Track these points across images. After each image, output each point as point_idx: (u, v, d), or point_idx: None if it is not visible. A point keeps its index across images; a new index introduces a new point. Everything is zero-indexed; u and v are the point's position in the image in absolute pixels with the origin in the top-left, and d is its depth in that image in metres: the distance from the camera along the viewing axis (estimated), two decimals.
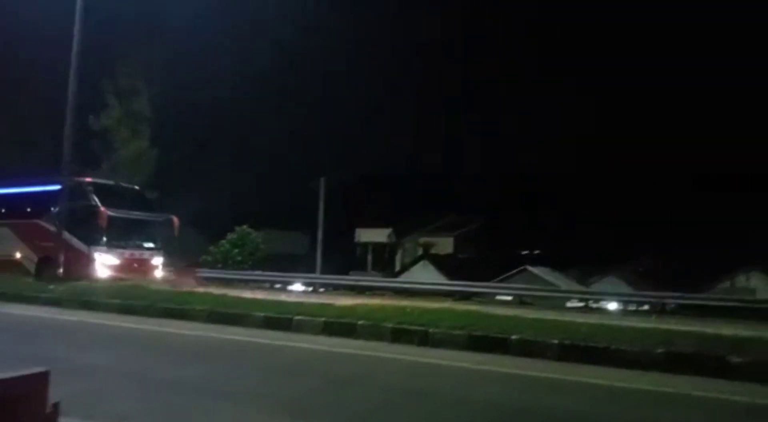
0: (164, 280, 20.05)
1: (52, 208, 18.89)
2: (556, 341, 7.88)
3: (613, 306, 19.29)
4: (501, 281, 25.86)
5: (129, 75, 29.99)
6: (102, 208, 18.69)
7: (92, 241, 18.85)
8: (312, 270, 30.08)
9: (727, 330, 10.08)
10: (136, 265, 19.75)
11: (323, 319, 9.78)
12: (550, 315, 11.61)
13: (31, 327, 10.07)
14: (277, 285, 23.85)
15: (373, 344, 8.65)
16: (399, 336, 8.87)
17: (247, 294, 15.38)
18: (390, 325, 9.11)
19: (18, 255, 20.07)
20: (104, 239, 18.93)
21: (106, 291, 14.03)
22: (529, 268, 28.93)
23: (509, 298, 20.14)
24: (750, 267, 33.64)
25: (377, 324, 9.25)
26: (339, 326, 9.51)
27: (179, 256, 29.15)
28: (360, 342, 8.80)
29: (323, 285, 23.83)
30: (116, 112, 29.89)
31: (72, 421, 3.72)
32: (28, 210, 20.43)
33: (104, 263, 18.91)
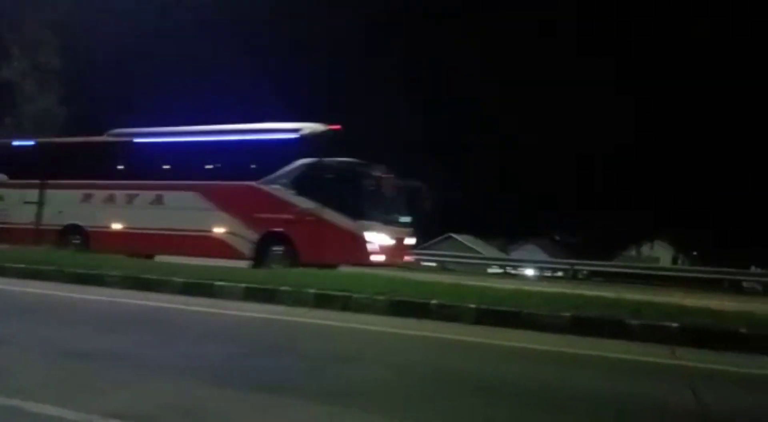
0: None
1: (284, 166, 14.16)
2: (473, 305, 8.18)
3: (530, 272, 20.26)
4: (426, 248, 26.45)
5: (35, 24, 27.64)
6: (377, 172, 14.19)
7: (359, 214, 13.71)
8: None
9: (630, 295, 10.85)
10: (398, 247, 14.74)
11: (245, 285, 9.65)
12: (470, 281, 12.04)
13: None
14: None
15: (295, 310, 8.66)
16: (322, 301, 8.92)
17: (164, 259, 14.90)
18: (313, 291, 9.13)
19: (220, 230, 14.62)
20: (376, 212, 14.00)
21: (9, 255, 13.16)
22: (454, 236, 29.78)
23: (433, 264, 20.70)
24: (654, 236, 36.22)
25: (300, 290, 9.24)
26: (261, 292, 9.43)
27: None
28: (282, 308, 8.78)
29: None
30: (20, 64, 27.60)
31: None
32: (239, 168, 14.85)
33: (377, 244, 13.71)
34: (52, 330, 6.77)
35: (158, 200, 15.35)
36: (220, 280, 10.01)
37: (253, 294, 9.46)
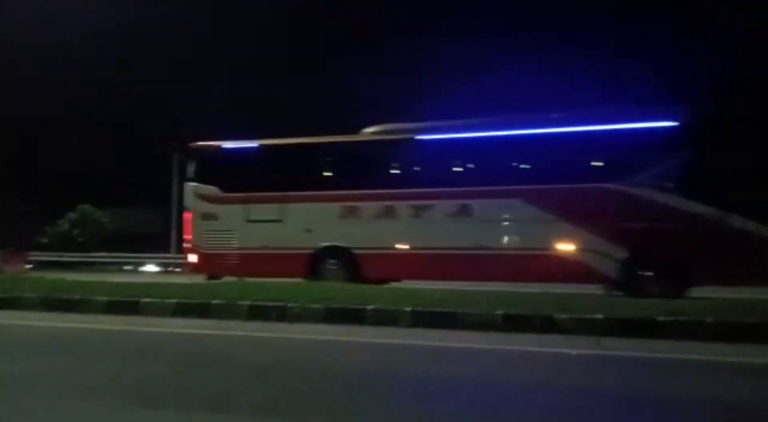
0: None
1: (656, 161, 11.30)
2: (408, 308, 8.24)
3: None
4: None
5: None
6: None
7: None
8: (166, 249, 28.45)
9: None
10: None
11: (175, 301, 9.30)
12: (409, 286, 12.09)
13: None
14: (127, 267, 22.29)
15: (228, 323, 8.43)
16: (256, 313, 8.73)
17: (88, 277, 14.15)
18: (247, 303, 8.92)
19: (569, 248, 11.66)
20: None
21: None
22: None
23: None
24: None
25: (233, 302, 9.01)
26: (192, 307, 9.12)
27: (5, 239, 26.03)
28: (215, 322, 8.52)
29: (179, 265, 22.68)
30: None
31: None
32: (585, 166, 11.90)
33: None
34: None
35: (464, 211, 12.24)
36: (147, 296, 9.60)
37: (183, 310, 9.13)
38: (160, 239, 33.33)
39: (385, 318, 8.20)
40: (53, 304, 9.80)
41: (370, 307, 8.38)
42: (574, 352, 6.50)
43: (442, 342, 7.13)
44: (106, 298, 9.66)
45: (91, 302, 9.64)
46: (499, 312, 7.88)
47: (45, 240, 25.02)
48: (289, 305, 8.68)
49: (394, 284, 12.19)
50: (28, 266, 18.38)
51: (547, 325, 7.54)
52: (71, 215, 25.58)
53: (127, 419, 4.20)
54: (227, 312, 8.86)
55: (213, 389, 5.02)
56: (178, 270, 21.87)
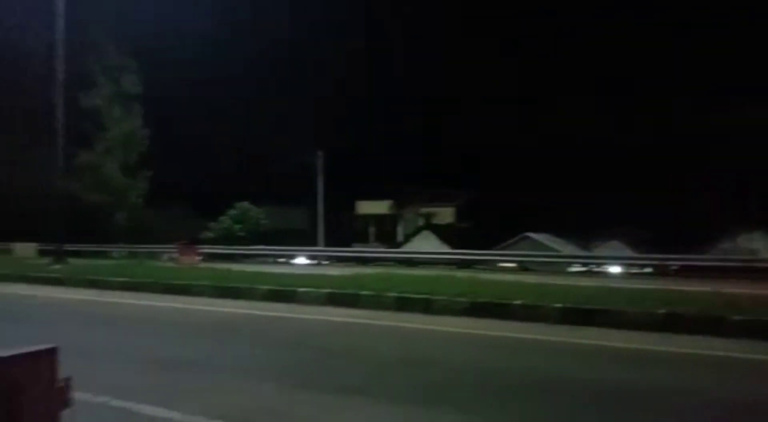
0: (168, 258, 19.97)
1: None
2: (558, 305, 7.95)
3: (615, 269, 19.41)
4: (502, 249, 25.95)
5: (117, 53, 29.57)
6: None
7: None
8: (314, 244, 30.25)
9: (728, 289, 10.16)
10: None
11: (327, 291, 9.86)
12: (551, 280, 11.70)
13: (35, 307, 10.16)
14: (281, 260, 23.98)
15: (377, 313, 8.75)
16: (402, 304, 8.95)
17: (250, 268, 15.45)
18: (393, 294, 9.18)
19: None
20: None
21: (110, 269, 14.12)
22: (530, 235, 29.00)
23: (512, 265, 20.28)
24: (753, 228, 33.59)
25: (380, 293, 9.32)
26: (342, 297, 9.59)
27: (178, 234, 29.29)
28: (364, 312, 8.89)
29: (326, 257, 23.96)
30: (106, 90, 29.57)
31: (87, 396, 3.81)
32: None
33: None
34: (151, 339, 7.19)
35: None
36: (302, 286, 10.27)
37: (335, 299, 9.63)
38: (307, 234, 35.55)
39: (532, 314, 7.98)
40: (222, 292, 10.86)
41: (516, 302, 8.21)
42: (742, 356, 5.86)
43: (592, 340, 6.78)
44: (267, 287, 10.50)
45: (254, 290, 10.53)
46: (661, 310, 7.31)
47: (211, 234, 27.80)
48: (434, 298, 8.79)
49: (540, 279, 11.79)
50: (199, 258, 20.51)
51: (716, 327, 6.85)
52: (233, 212, 28.14)
53: (288, 400, 4.55)
54: (375, 303, 9.19)
55: (362, 376, 5.26)
56: (325, 263, 23.14)
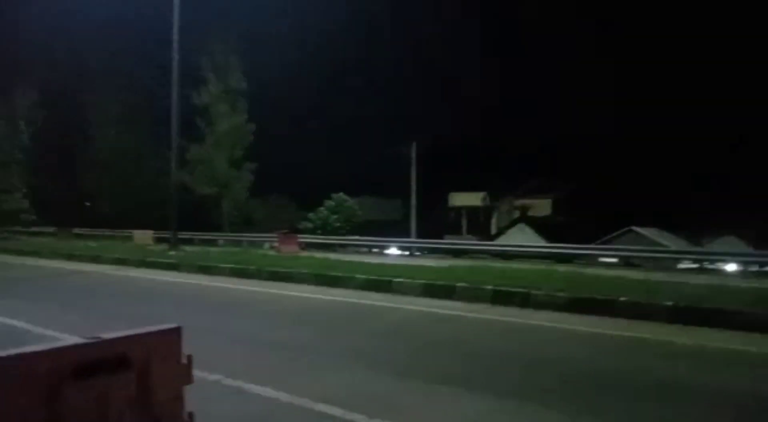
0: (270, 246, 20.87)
1: None
2: (668, 303, 7.47)
3: (732, 267, 17.92)
4: (604, 243, 24.79)
5: (224, 51, 31.26)
6: None
7: None
8: (406, 235, 30.49)
9: None
10: None
11: (422, 281, 9.90)
12: (659, 277, 11.02)
13: (154, 290, 11.03)
14: (374, 250, 24.38)
15: (473, 306, 8.66)
16: (499, 298, 8.81)
17: (347, 258, 15.85)
18: (490, 287, 9.05)
19: None
20: None
21: (219, 256, 15.03)
22: (636, 229, 27.49)
23: (614, 260, 19.31)
24: None
25: (477, 286, 9.23)
26: (438, 288, 9.59)
27: (278, 223, 30.60)
28: (460, 304, 8.84)
29: (419, 249, 24.06)
30: (215, 88, 31.40)
31: (201, 374, 4.09)
32: None
33: None
34: (257, 322, 7.58)
35: None
36: (398, 277, 10.37)
37: (430, 290, 9.65)
38: (399, 225, 35.88)
39: (639, 312, 7.56)
40: (321, 280, 11.23)
41: (622, 299, 7.82)
42: None
43: (707, 342, 6.31)
44: (364, 276, 10.72)
45: (352, 279, 10.79)
46: None
47: (309, 224, 28.83)
48: (533, 292, 8.57)
49: (647, 277, 11.14)
50: (299, 246, 21.34)
51: None
52: (329, 203, 29.00)
53: (390, 387, 4.62)
54: (471, 295, 9.11)
55: (464, 368, 5.24)
56: (417, 254, 23.26)
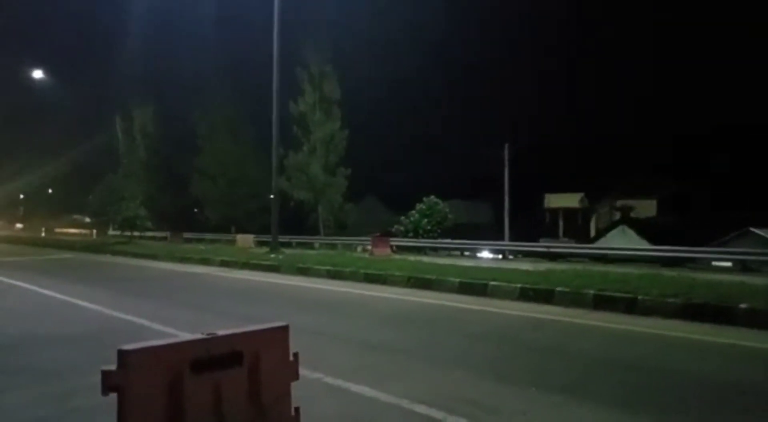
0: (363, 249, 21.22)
1: None
2: None
3: None
4: (718, 246, 22.95)
5: (319, 62, 32.32)
6: None
7: None
8: (499, 239, 29.89)
9: None
10: None
11: (519, 285, 9.66)
12: None
13: (257, 290, 11.57)
14: (466, 253, 24.12)
15: (573, 311, 8.34)
16: (602, 303, 8.41)
17: (440, 261, 15.79)
18: (592, 292, 8.67)
19: None
20: None
21: (316, 259, 15.51)
22: (754, 230, 25.24)
23: (728, 264, 17.83)
24: None
25: (577, 290, 8.86)
26: (536, 292, 9.32)
27: (371, 227, 31.08)
28: (559, 309, 8.54)
29: (513, 252, 23.51)
30: (310, 97, 32.54)
31: (303, 372, 4.24)
32: None
33: None
34: (353, 323, 7.75)
35: None
36: (494, 280, 10.20)
37: (527, 294, 9.40)
38: (491, 228, 35.25)
39: (761, 321, 6.94)
40: (415, 282, 11.27)
41: (741, 306, 7.20)
42: None
43: None
44: (458, 280, 10.64)
45: (446, 282, 10.75)
46: None
47: (401, 228, 29.02)
48: (640, 297, 8.10)
49: None
50: (392, 249, 21.56)
51: None
52: (421, 206, 29.04)
53: (490, 392, 4.54)
54: (571, 300, 8.77)
55: (566, 374, 5.05)
56: (511, 257, 22.73)
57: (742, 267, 16.74)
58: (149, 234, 37.90)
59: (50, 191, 66.76)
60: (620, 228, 35.66)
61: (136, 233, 35.72)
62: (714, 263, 18.36)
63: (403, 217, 29.57)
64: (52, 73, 40.75)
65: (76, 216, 59.67)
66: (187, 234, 37.12)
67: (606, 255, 19.66)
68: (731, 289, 8.33)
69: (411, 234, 27.75)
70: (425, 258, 17.53)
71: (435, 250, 24.54)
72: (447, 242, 25.26)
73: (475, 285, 10.25)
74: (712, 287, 8.61)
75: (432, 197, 29.33)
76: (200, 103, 41.43)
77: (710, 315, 7.33)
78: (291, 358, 3.07)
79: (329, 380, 4.79)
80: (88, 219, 50.86)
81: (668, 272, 11.61)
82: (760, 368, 5.36)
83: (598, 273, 10.71)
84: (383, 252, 19.78)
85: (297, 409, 3.02)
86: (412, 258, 17.19)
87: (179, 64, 41.73)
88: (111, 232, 41.66)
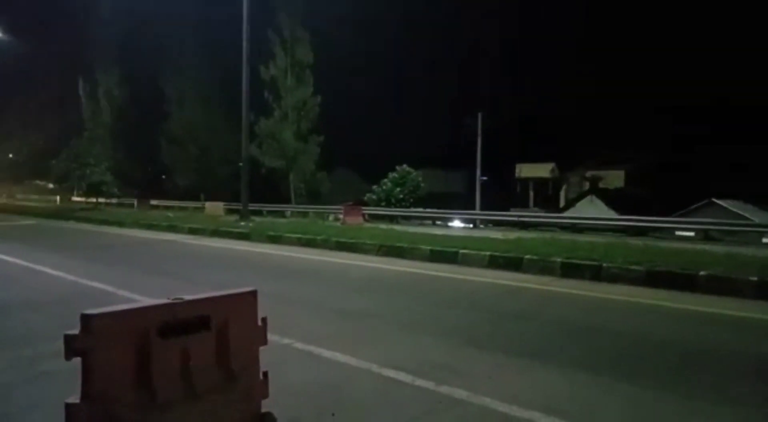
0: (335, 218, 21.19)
1: None
2: (754, 278, 7.04)
3: None
4: (682, 216, 23.59)
5: (291, 24, 31.51)
6: None
7: None
8: (471, 208, 30.16)
9: None
10: None
11: (489, 253, 9.78)
12: (742, 251, 10.39)
13: (227, 258, 11.48)
14: (438, 222, 24.29)
15: (541, 278, 8.50)
16: (569, 271, 8.58)
17: (412, 229, 15.88)
18: (559, 260, 8.83)
19: None
20: None
21: (287, 227, 15.42)
22: (717, 201, 25.99)
23: (691, 234, 18.37)
24: None
25: (545, 258, 9.02)
26: (505, 260, 9.45)
27: (343, 195, 31.01)
28: (528, 276, 8.69)
29: (484, 221, 23.76)
30: (282, 62, 31.81)
31: (273, 337, 4.23)
32: None
33: None
34: (325, 290, 7.76)
35: None
36: (464, 248, 10.30)
37: (497, 262, 9.53)
38: (464, 198, 35.52)
39: (721, 287, 7.18)
40: (387, 250, 11.32)
41: (702, 273, 7.43)
42: None
43: None
44: (429, 248, 10.71)
45: (417, 250, 10.81)
46: None
47: (373, 196, 29.01)
48: (605, 265, 8.29)
49: (729, 250, 10.52)
50: (363, 218, 21.55)
51: None
52: (393, 175, 29.01)
53: (460, 356, 4.62)
54: (539, 267, 8.93)
55: (534, 340, 5.16)
56: (482, 226, 22.98)
57: (705, 236, 17.27)
58: (115, 201, 37.12)
59: (11, 156, 64.60)
60: (589, 198, 36.30)
61: (101, 199, 34.93)
62: (678, 233, 18.89)
63: (375, 186, 29.55)
64: (11, 33, 38.87)
65: (38, 182, 57.96)
66: (154, 201, 36.46)
67: (575, 224, 20.04)
68: (693, 257, 8.59)
69: (383, 203, 27.79)
70: (397, 227, 17.60)
71: (407, 219, 24.63)
72: (419, 211, 25.38)
73: (446, 254, 10.35)
74: (674, 255, 8.87)
75: (405, 166, 29.32)
76: (170, 66, 40.19)
77: (672, 282, 7.55)
78: (259, 323, 3.05)
79: (299, 345, 4.80)
80: (51, 185, 49.46)
81: (634, 241, 11.91)
82: (718, 331, 5.56)
83: (566, 242, 10.91)
84: (355, 220, 19.78)
85: (265, 374, 3.01)
86: (383, 226, 17.24)
87: (147, 27, 40.17)
88: (75, 198, 40.68)
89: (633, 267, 8.03)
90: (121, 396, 2.47)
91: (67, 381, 2.89)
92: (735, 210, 24.81)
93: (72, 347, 2.35)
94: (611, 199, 34.18)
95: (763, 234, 17.94)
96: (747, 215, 23.91)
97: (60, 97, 46.87)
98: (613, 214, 26.54)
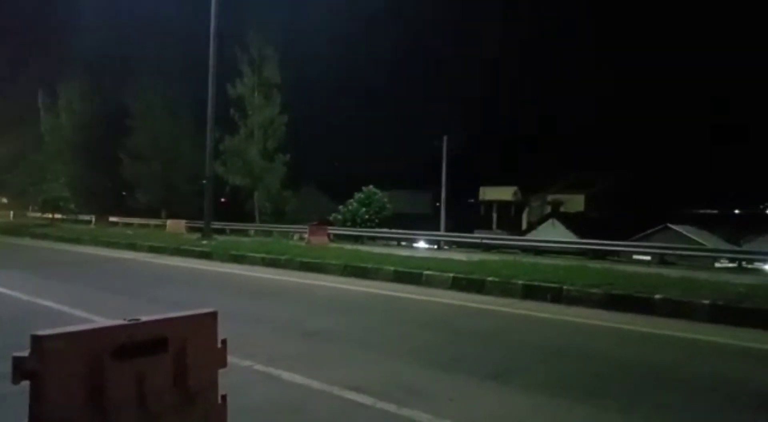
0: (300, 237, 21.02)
1: None
2: (706, 301, 7.28)
3: None
4: (639, 240, 24.26)
5: (259, 43, 31.49)
6: None
7: None
8: (436, 229, 30.39)
9: None
10: None
11: (452, 275, 9.85)
12: (696, 276, 10.74)
13: (188, 277, 11.25)
14: (403, 243, 24.36)
15: (503, 300, 8.60)
16: (530, 292, 8.71)
17: (377, 250, 15.87)
18: (521, 282, 8.96)
19: None
20: None
21: (250, 246, 15.23)
22: (672, 226, 26.83)
23: (648, 258, 18.89)
24: None
25: (507, 280, 9.14)
26: (468, 282, 9.54)
27: (309, 215, 30.84)
28: (490, 298, 8.78)
29: (448, 242, 23.94)
30: (249, 80, 31.70)
31: (233, 359, 4.16)
32: None
33: None
34: (288, 311, 7.67)
35: None
36: (428, 269, 10.35)
37: (460, 284, 9.61)
38: (429, 219, 35.78)
39: (676, 310, 7.40)
40: (352, 271, 11.28)
41: (657, 296, 7.65)
42: None
43: (745, 341, 6.14)
44: (393, 269, 10.74)
45: (382, 271, 10.82)
46: None
47: (339, 216, 28.97)
48: (565, 287, 8.45)
49: (683, 274, 10.87)
50: (329, 238, 21.45)
51: None
52: (359, 195, 29.07)
53: (422, 377, 4.62)
54: (501, 289, 9.04)
55: (495, 361, 5.20)
56: (446, 248, 23.16)
57: (660, 260, 17.78)
58: (72, 217, 36.04)
59: None
60: (550, 221, 37.01)
61: (58, 215, 33.87)
62: (635, 256, 19.40)
63: (341, 206, 29.52)
64: None
65: None
66: (113, 218, 35.54)
67: (536, 247, 20.37)
68: (649, 281, 8.83)
69: (349, 223, 27.75)
70: (362, 248, 17.59)
71: (372, 239, 24.63)
72: (384, 231, 25.41)
73: (410, 275, 10.38)
74: (631, 279, 9.10)
75: (371, 187, 29.42)
76: (135, 81, 39.53)
77: (629, 304, 7.74)
78: (219, 345, 3.00)
79: (260, 367, 4.73)
80: (5, 200, 47.74)
81: (593, 264, 12.19)
82: (673, 353, 5.71)
83: (527, 265, 11.08)
84: (320, 240, 19.66)
85: (224, 397, 2.96)
86: (349, 246, 17.21)
87: (112, 40, 39.57)
88: (30, 214, 39.33)
89: (592, 290, 8.21)
90: (72, 421, 2.38)
91: (14, 405, 2.78)
92: (689, 235, 25.66)
93: (21, 369, 2.26)
94: (571, 222, 34.95)
95: (715, 259, 18.60)
96: (700, 240, 24.74)
97: (19, 111, 45.47)
98: (573, 238, 27.09)
